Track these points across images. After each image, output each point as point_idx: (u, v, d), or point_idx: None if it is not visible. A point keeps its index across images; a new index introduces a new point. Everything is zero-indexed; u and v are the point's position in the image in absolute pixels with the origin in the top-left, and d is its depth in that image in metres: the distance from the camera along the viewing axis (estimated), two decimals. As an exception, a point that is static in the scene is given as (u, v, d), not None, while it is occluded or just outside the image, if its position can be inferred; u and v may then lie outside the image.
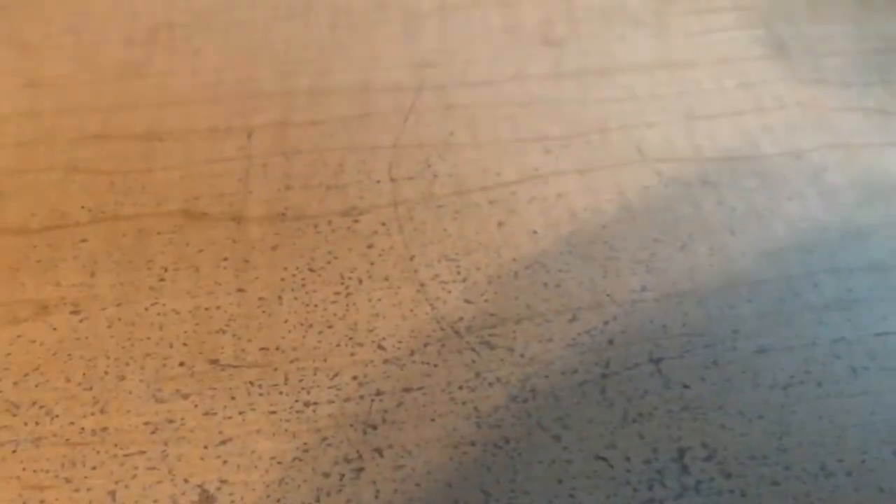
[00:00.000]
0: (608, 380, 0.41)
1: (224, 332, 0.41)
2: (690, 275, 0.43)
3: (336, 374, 0.40)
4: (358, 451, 0.38)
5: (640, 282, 0.43)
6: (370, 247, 0.44)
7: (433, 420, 0.39)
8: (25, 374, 0.39)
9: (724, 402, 0.40)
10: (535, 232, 0.44)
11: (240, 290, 0.42)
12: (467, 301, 0.42)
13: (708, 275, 0.44)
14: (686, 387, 0.41)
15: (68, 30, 0.55)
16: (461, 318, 0.41)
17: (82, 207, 0.45)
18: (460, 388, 0.40)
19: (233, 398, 0.39)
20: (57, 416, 0.38)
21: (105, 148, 0.47)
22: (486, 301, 0.42)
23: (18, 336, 0.41)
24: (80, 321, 0.41)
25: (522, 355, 0.41)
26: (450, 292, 0.42)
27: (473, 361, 0.40)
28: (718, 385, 0.40)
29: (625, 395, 0.40)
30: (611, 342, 0.42)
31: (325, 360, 0.40)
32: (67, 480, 0.37)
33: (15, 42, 0.54)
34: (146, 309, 0.42)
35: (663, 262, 0.44)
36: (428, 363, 0.41)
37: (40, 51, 0.53)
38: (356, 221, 0.45)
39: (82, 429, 0.38)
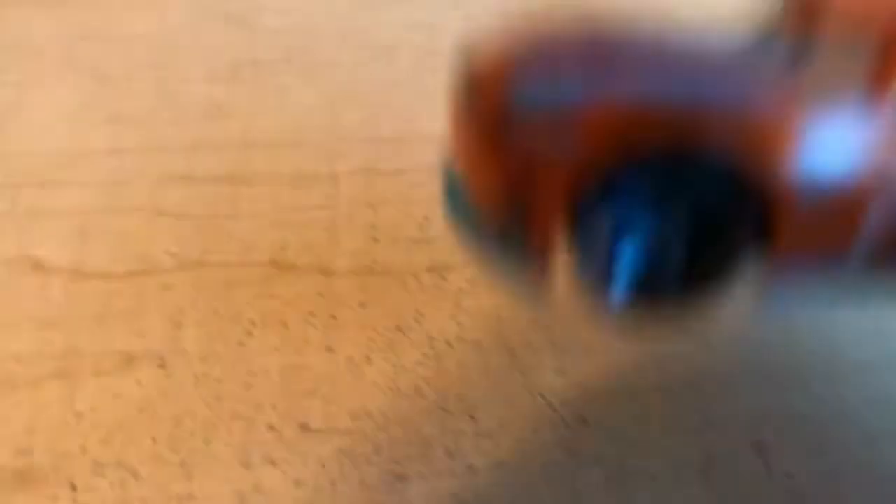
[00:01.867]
0: (708, 463, 0.39)
1: (313, 393, 0.40)
2: (793, 354, 0.41)
3: (427, 445, 0.39)
4: (453, 533, 0.36)
5: (743, 358, 0.41)
6: (459, 307, 0.42)
7: (528, 499, 0.38)
8: (111, 432, 0.38)
9: (831, 493, 0.38)
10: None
11: (328, 349, 0.41)
12: (560, 372, 0.41)
13: (811, 356, 0.42)
14: (790, 476, 0.39)
15: (151, 64, 0.54)
16: (554, 390, 0.40)
17: (167, 253, 0.44)
18: (555, 465, 0.38)
19: (323, 466, 0.38)
20: (143, 479, 0.37)
21: (190, 190, 0.47)
22: (580, 373, 0.41)
23: (104, 390, 0.40)
24: (167, 376, 0.40)
25: (619, 434, 0.39)
26: (543, 361, 0.41)
27: (568, 438, 0.39)
28: (825, 474, 0.38)
29: (725, 479, 0.38)
30: (710, 423, 0.40)
31: (415, 430, 0.39)
32: (156, 550, 0.36)
33: (97, 75, 0.54)
34: (233, 366, 0.40)
35: (764, 339, 0.42)
36: (521, 437, 0.39)
37: (122, 85, 0.53)
38: (444, 279, 0.43)
39: (168, 495, 0.37)
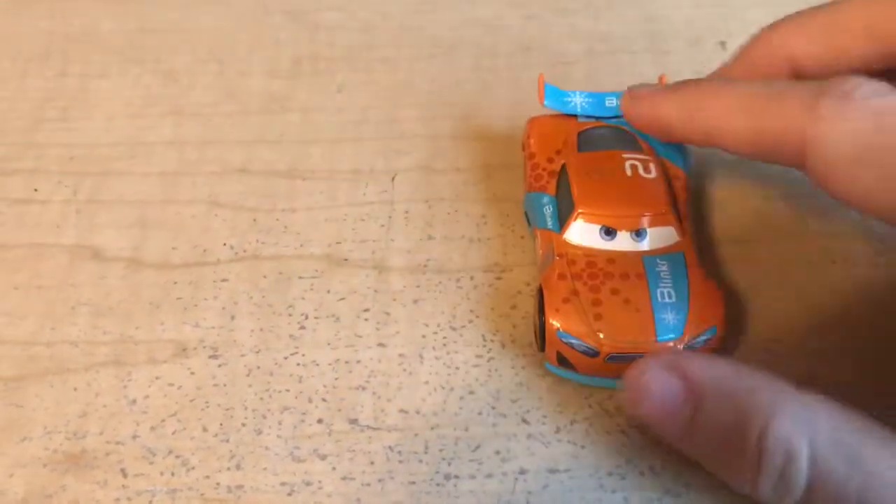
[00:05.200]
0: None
1: (364, 389, 0.39)
2: (853, 368, 0.40)
3: (478, 446, 0.38)
4: (502, 536, 0.36)
5: (802, 369, 0.40)
6: (513, 308, 0.41)
7: (580, 507, 0.37)
8: (163, 420, 0.38)
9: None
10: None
11: (381, 345, 0.40)
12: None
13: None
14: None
15: (212, 58, 0.54)
16: (610, 396, 0.39)
17: (224, 244, 0.44)
18: (609, 474, 0.37)
19: (372, 463, 0.37)
20: (193, 467, 0.37)
21: (248, 183, 0.47)
22: (636, 378, 0.39)
23: (157, 378, 0.40)
24: (219, 366, 0.40)
25: (676, 443, 0.38)
26: (598, 365, 0.40)
27: (623, 445, 0.38)
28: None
29: (787, 496, 0.37)
30: (772, 435, 0.38)
31: (466, 430, 0.38)
32: (203, 539, 0.35)
33: (160, 68, 0.54)
34: (286, 358, 0.40)
35: (831, 350, 0.41)
36: (574, 443, 0.38)
37: (185, 78, 0.53)
38: (499, 279, 0.43)
39: (218, 484, 0.37)
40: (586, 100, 0.43)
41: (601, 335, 0.33)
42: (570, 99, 0.42)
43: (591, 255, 0.35)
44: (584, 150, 0.40)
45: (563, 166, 0.40)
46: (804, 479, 0.27)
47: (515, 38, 0.58)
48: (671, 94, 0.33)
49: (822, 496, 0.27)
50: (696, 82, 0.32)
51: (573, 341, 0.34)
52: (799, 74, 0.38)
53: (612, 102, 0.42)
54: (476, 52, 0.57)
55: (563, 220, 0.38)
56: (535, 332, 0.39)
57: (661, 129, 0.34)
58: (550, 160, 0.41)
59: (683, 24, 0.58)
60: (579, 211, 0.37)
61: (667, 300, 0.33)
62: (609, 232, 0.36)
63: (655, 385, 0.27)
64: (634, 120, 0.36)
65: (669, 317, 0.32)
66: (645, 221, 0.35)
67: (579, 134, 0.41)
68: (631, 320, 0.33)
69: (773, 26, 0.38)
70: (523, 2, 0.61)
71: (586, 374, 0.35)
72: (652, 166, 0.38)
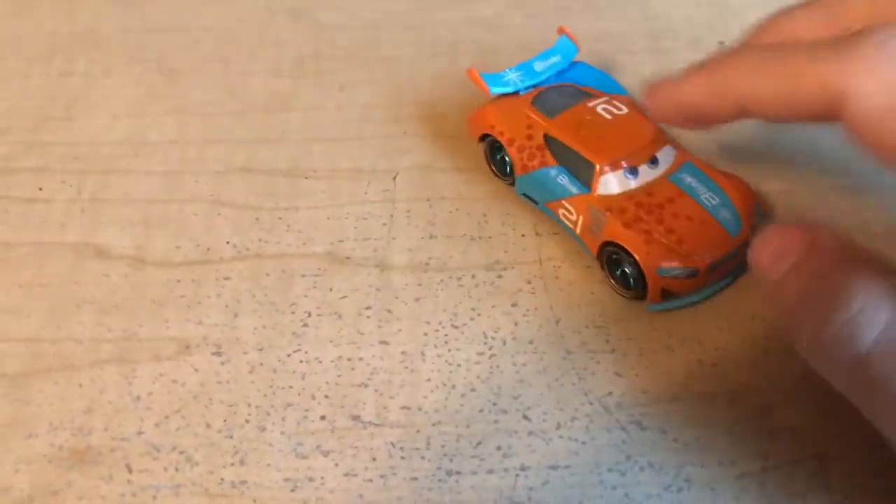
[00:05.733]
0: (768, 474, 0.38)
1: (366, 386, 0.40)
2: (864, 366, 0.40)
3: (479, 443, 0.38)
4: (503, 531, 0.36)
5: (806, 365, 0.40)
6: (514, 305, 0.42)
7: (580, 503, 0.37)
8: (167, 416, 0.39)
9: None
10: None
11: (383, 342, 0.41)
12: (617, 374, 0.40)
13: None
14: (851, 490, 0.38)
15: (215, 57, 0.55)
16: (610, 393, 0.39)
17: (227, 243, 0.44)
18: (609, 470, 0.37)
19: (374, 459, 0.38)
20: (197, 463, 0.38)
21: (250, 181, 0.47)
22: (636, 375, 0.40)
23: (161, 374, 0.40)
24: (222, 363, 0.41)
25: (676, 440, 0.38)
26: (598, 363, 0.40)
27: (623, 442, 0.38)
28: (886, 494, 0.37)
29: (786, 492, 0.37)
30: (771, 432, 0.39)
31: (467, 426, 0.39)
32: (207, 534, 0.36)
33: (163, 67, 0.54)
34: (288, 355, 0.41)
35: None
36: (575, 439, 0.38)
37: (188, 77, 0.53)
38: (500, 277, 0.43)
39: (222, 480, 0.37)
40: (518, 73, 0.45)
41: (694, 255, 0.35)
42: (507, 78, 0.43)
43: (632, 196, 0.37)
44: (550, 116, 0.42)
45: (546, 136, 0.41)
46: (875, 332, 0.28)
47: (516, 37, 0.58)
48: (694, 74, 0.33)
49: (885, 360, 0.28)
50: (717, 57, 0.32)
51: (675, 272, 0.36)
52: None
53: (539, 66, 0.45)
54: (478, 51, 0.58)
55: (584, 182, 0.39)
56: (619, 290, 0.40)
57: (689, 113, 0.34)
58: (530, 137, 0.42)
59: (683, 23, 0.58)
60: (600, 165, 0.38)
61: (714, 202, 0.36)
62: (632, 171, 0.39)
63: (776, 235, 0.29)
64: (659, 112, 0.36)
65: (725, 214, 0.36)
66: (653, 149, 0.39)
67: (532, 104, 0.43)
68: (704, 231, 0.36)
69: (779, 14, 0.38)
70: (524, 1, 0.61)
71: (690, 295, 0.38)
72: (616, 103, 0.41)
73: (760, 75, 0.30)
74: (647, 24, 0.58)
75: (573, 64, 0.43)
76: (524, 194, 0.45)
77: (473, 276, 0.45)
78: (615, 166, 0.37)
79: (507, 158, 0.42)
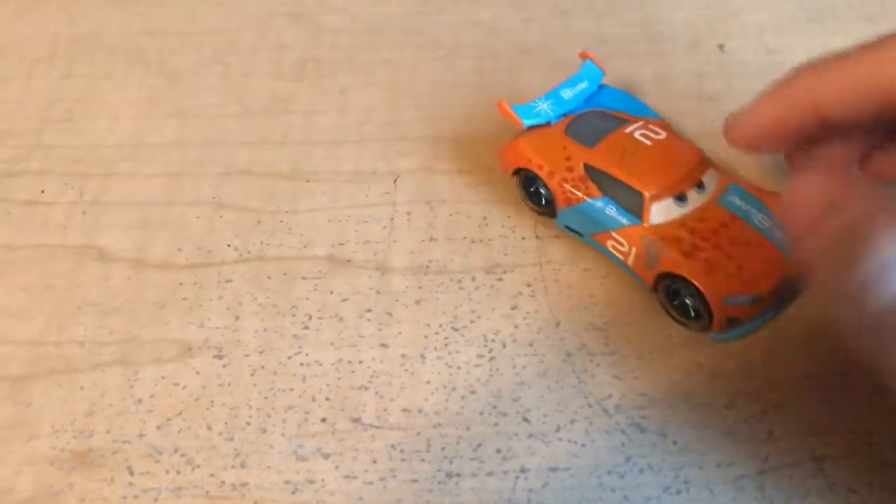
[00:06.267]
0: (766, 476, 0.38)
1: (366, 388, 0.40)
2: (860, 364, 0.40)
3: (479, 445, 0.38)
4: (503, 534, 0.36)
5: (804, 368, 0.40)
6: (514, 308, 0.42)
7: (580, 505, 0.37)
8: (168, 419, 0.39)
9: (893, 512, 0.37)
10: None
11: (383, 345, 0.41)
12: (616, 377, 0.40)
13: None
14: (852, 490, 0.38)
15: (216, 60, 0.55)
16: (610, 395, 0.39)
17: (228, 245, 0.44)
18: (609, 472, 0.38)
19: (374, 462, 0.38)
20: (198, 466, 0.38)
21: (251, 184, 0.47)
22: (635, 378, 0.40)
23: (163, 377, 0.40)
24: (224, 366, 0.41)
25: (675, 442, 0.38)
26: (598, 365, 0.41)
27: (623, 444, 0.38)
28: (891, 489, 0.37)
29: (784, 494, 0.38)
30: (770, 434, 0.39)
31: (467, 429, 0.39)
32: (208, 536, 0.36)
33: (164, 70, 0.55)
34: (289, 358, 0.41)
35: (832, 347, 0.41)
36: (574, 442, 0.39)
37: (189, 80, 0.54)
38: (500, 280, 0.43)
39: (223, 482, 0.37)
40: (548, 103, 0.43)
41: (757, 281, 0.35)
42: (538, 109, 0.42)
43: (683, 224, 0.36)
44: (589, 145, 0.40)
45: (586, 167, 0.40)
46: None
47: (516, 40, 0.59)
48: (767, 94, 0.33)
49: None
50: (793, 73, 0.32)
51: (739, 299, 0.35)
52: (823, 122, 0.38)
53: (567, 93, 0.44)
54: (478, 55, 0.58)
55: (634, 212, 0.38)
56: (679, 319, 0.39)
57: (771, 134, 0.33)
58: (570, 168, 0.41)
59: (683, 26, 0.58)
60: (650, 194, 0.37)
61: (766, 224, 0.36)
62: (681, 198, 0.38)
63: (806, 184, 0.29)
64: (743, 141, 0.34)
65: (779, 234, 0.35)
66: (699, 173, 0.38)
67: (567, 134, 0.41)
68: (762, 255, 0.35)
69: (801, 72, 0.37)
70: (524, 4, 0.61)
71: (755, 320, 0.37)
72: (652, 127, 0.40)
73: (832, 72, 0.30)
74: (647, 28, 0.59)
75: (600, 88, 0.43)
76: (566, 226, 0.43)
77: (474, 279, 0.45)
78: (663, 194, 0.36)
79: (542, 191, 0.41)
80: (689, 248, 0.35)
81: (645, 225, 0.36)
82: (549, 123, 0.41)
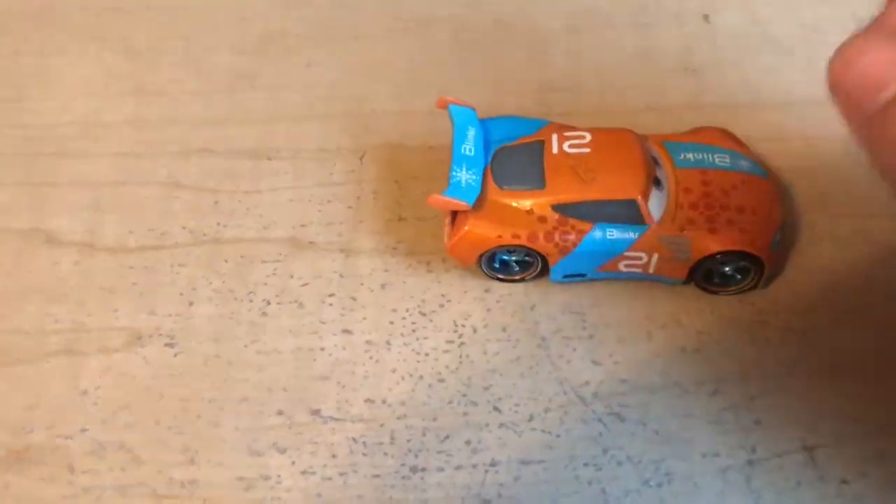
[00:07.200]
0: (754, 467, 0.36)
1: (327, 378, 0.37)
2: (851, 349, 0.38)
3: (447, 437, 0.36)
4: (470, 532, 0.34)
5: (793, 353, 0.38)
6: (487, 291, 0.39)
7: (554, 500, 0.35)
8: (114, 412, 0.36)
9: (891, 500, 0.35)
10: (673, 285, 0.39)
11: (346, 331, 0.38)
12: (594, 362, 0.38)
13: (868, 354, 0.38)
14: (845, 481, 0.35)
15: (178, 35, 0.52)
16: (587, 382, 0.37)
17: (183, 228, 0.42)
18: (585, 464, 0.35)
19: (334, 456, 0.35)
20: (144, 462, 0.35)
21: (210, 163, 0.45)
22: (615, 363, 0.38)
23: (109, 367, 0.38)
24: (175, 355, 0.38)
25: (657, 431, 0.36)
26: (574, 350, 0.38)
27: (600, 434, 0.36)
28: (885, 481, 0.35)
29: (773, 486, 0.35)
30: (758, 422, 0.37)
31: (434, 420, 0.36)
32: (152, 537, 0.33)
33: (123, 46, 0.52)
34: (245, 346, 0.38)
35: (821, 332, 0.39)
36: (549, 432, 0.36)
37: (149, 56, 0.51)
38: (472, 261, 0.40)
39: (171, 479, 0.35)
40: (463, 169, 0.38)
41: (771, 214, 0.36)
42: (463, 182, 0.37)
43: (679, 206, 0.35)
44: (536, 188, 0.35)
45: (555, 208, 0.35)
46: None
47: (494, 12, 0.56)
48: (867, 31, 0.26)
49: None
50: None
51: (776, 238, 0.36)
52: None
53: (467, 149, 0.38)
54: (453, 28, 0.55)
55: (634, 220, 0.35)
56: (722, 292, 0.39)
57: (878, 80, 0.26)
58: (542, 220, 0.36)
59: (667, -5, 0.56)
60: (640, 194, 0.34)
61: (726, 159, 0.36)
62: (657, 182, 0.35)
63: (866, 55, 0.22)
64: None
65: (744, 163, 0.36)
66: (646, 150, 0.36)
67: (505, 188, 0.36)
68: (750, 190, 0.35)
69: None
70: (501, -26, 0.58)
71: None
72: (567, 134, 0.36)
73: None
74: (629, 0, 0.56)
75: (483, 123, 0.38)
76: (565, 276, 0.39)
77: (444, 261, 0.42)
78: (646, 187, 0.34)
79: (506, 258, 0.38)
80: (707, 222, 0.34)
81: (653, 227, 0.35)
82: (481, 193, 0.36)
